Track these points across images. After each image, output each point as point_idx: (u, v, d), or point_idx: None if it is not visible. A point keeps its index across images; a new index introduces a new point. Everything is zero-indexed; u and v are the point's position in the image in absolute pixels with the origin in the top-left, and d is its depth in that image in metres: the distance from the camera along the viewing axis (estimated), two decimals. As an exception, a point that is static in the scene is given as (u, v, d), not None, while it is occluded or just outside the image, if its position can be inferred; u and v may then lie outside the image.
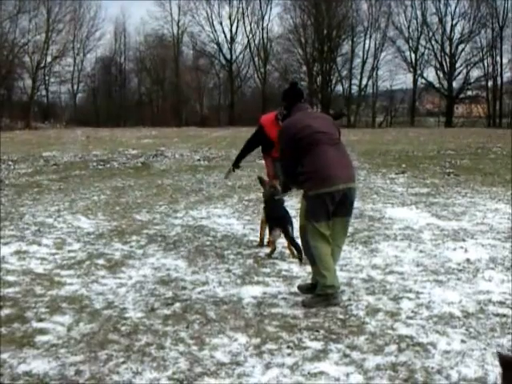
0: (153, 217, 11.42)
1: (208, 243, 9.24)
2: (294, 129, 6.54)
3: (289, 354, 5.15)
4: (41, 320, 5.96)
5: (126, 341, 5.45)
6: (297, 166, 6.51)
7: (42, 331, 5.67)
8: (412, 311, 6.21)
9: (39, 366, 4.92)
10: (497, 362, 4.89)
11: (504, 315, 6.09)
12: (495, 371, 4.81)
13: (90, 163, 21.92)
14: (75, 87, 74.64)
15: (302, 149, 6.44)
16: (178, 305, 6.41)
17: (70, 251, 8.74)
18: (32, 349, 5.27)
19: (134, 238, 9.58)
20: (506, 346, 5.31)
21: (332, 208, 6.39)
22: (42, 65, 69.46)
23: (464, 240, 9.37)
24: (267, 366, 4.92)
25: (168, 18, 73.77)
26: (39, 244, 9.10)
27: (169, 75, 75.96)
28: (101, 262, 8.16)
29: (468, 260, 8.20)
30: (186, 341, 5.45)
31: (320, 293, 6.39)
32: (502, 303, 6.45)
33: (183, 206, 12.58)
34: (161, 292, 6.86)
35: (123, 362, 5.00)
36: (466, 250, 8.73)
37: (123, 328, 5.76)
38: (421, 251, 8.74)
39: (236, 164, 9.55)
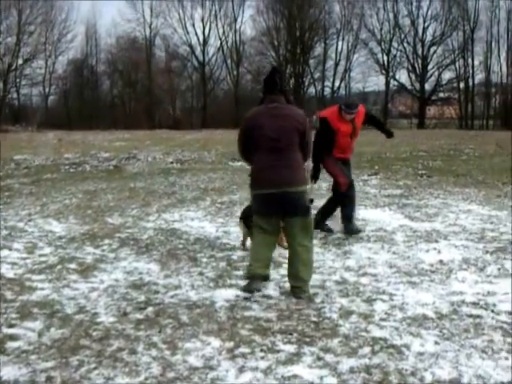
0: (125, 220, 11.33)
1: (181, 246, 9.18)
2: (250, 123, 6.80)
3: (262, 358, 5.13)
4: (11, 326, 5.89)
5: (98, 346, 5.40)
6: (250, 154, 6.85)
7: (13, 337, 5.60)
8: (385, 313, 6.21)
9: (9, 372, 4.86)
10: (470, 363, 4.93)
11: (477, 316, 6.11)
12: (469, 372, 4.83)
13: (61, 166, 21.74)
14: (47, 90, 74.16)
15: (251, 145, 6.78)
16: (150, 309, 6.37)
17: (41, 255, 8.65)
18: (2, 355, 5.20)
19: (106, 241, 9.50)
20: (480, 347, 5.32)
21: (272, 208, 6.71)
22: (14, 67, 68.84)
23: (437, 241, 9.40)
24: (241, 370, 4.90)
25: (140, 19, 73.52)
26: (10, 248, 8.99)
27: (141, 77, 75.64)
28: (72, 266, 8.08)
29: (441, 261, 8.23)
30: (158, 345, 5.41)
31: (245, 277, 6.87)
32: (475, 304, 6.48)
33: (156, 209, 12.50)
34: (133, 296, 6.80)
35: (95, 368, 4.95)
36: (438, 252, 8.75)
37: (95, 333, 5.71)
38: (394, 253, 8.75)
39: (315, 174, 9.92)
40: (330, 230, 10.02)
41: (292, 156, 6.62)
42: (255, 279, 6.90)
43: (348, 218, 9.95)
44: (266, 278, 7.01)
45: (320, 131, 9.70)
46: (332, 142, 9.68)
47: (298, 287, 6.76)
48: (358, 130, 9.90)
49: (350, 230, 9.82)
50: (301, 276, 6.77)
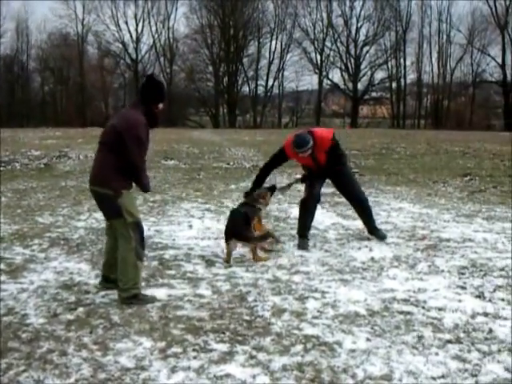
0: (55, 219, 11.16)
1: (112, 246, 9.06)
2: None
3: (194, 357, 5.10)
4: None
5: (27, 348, 5.30)
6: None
7: None
8: (318, 311, 6.24)
9: None
10: (401, 359, 4.99)
11: (408, 313, 6.19)
12: (400, 368, 4.88)
13: (-10, 165, 21.32)
14: (-25, 86, 72.70)
15: None
16: (81, 309, 6.28)
17: (-32, 256, 8.46)
18: None
19: (36, 241, 9.33)
20: (411, 343, 5.38)
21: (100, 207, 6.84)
22: None
23: (369, 239, 9.48)
24: (173, 370, 4.87)
25: (72, 16, 72.62)
26: None
27: (73, 75, 74.79)
28: (1, 266, 7.91)
29: (372, 259, 8.32)
30: (89, 346, 5.33)
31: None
32: (406, 301, 6.56)
33: (87, 208, 12.33)
34: (63, 296, 6.70)
35: (24, 371, 4.86)
36: (370, 249, 8.84)
37: (24, 335, 5.60)
38: (326, 251, 8.81)
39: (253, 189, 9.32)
40: (383, 236, 9.56)
41: (106, 155, 6.54)
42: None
43: (301, 229, 9.42)
44: (109, 280, 6.94)
45: (274, 155, 9.41)
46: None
47: (118, 288, 6.67)
48: (322, 160, 9.13)
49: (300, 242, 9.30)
50: (119, 277, 6.65)
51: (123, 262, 6.55)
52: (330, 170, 9.27)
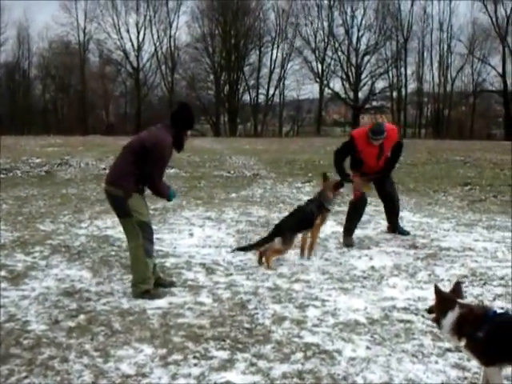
0: (57, 227, 11.17)
1: (113, 253, 9.08)
2: None
3: (195, 365, 5.12)
4: None
5: (29, 354, 5.31)
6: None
7: None
8: (318, 319, 6.25)
9: None
10: (401, 367, 5.01)
11: (408, 321, 6.21)
12: (400, 376, 4.90)
13: (-9, 172, 21.32)
14: (-24, 94, 72.73)
15: None
16: (82, 316, 6.29)
17: (-31, 263, 8.47)
18: None
19: (38, 248, 9.34)
20: (411, 352, 5.40)
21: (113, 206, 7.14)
22: None
23: (369, 248, 9.52)
24: (173, 377, 4.89)
25: (74, 24, 72.74)
26: None
27: (74, 82, 74.85)
28: (2, 273, 7.92)
29: (373, 267, 8.33)
30: (90, 353, 5.35)
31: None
32: (406, 309, 6.58)
33: (88, 216, 12.37)
34: (65, 304, 6.71)
35: (26, 377, 4.87)
36: (370, 258, 8.86)
37: (26, 341, 5.61)
38: (326, 259, 8.83)
39: (343, 176, 9.88)
40: (406, 233, 10.68)
41: (126, 161, 6.89)
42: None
43: (346, 229, 10.14)
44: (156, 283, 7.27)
45: (344, 144, 10.04)
46: (360, 160, 9.97)
47: (131, 284, 7.08)
48: (386, 151, 9.95)
49: (344, 240, 9.98)
50: (132, 273, 7.07)
51: (133, 259, 6.97)
52: (380, 173, 10.16)
